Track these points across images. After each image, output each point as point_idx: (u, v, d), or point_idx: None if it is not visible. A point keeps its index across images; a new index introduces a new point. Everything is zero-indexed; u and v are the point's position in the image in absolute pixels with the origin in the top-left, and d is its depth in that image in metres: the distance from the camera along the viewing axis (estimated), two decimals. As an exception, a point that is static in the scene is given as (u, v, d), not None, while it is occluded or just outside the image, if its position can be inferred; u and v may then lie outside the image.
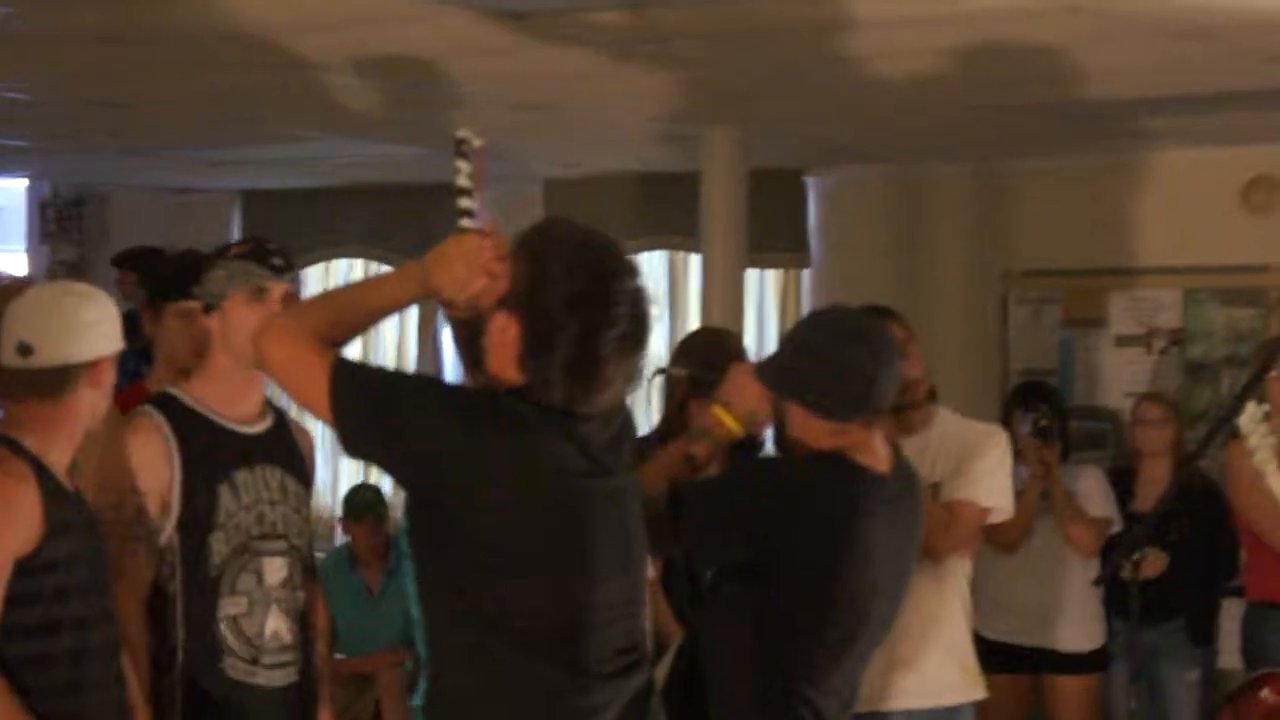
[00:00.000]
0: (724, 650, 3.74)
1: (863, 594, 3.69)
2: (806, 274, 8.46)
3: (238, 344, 3.95)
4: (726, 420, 3.83)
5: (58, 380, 3.66)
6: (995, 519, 4.76)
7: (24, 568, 3.55)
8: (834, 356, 3.66)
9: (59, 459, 3.68)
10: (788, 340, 3.93)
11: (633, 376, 3.19)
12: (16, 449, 3.62)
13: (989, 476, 4.67)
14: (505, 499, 3.06)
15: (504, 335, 3.12)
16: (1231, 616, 6.66)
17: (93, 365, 3.70)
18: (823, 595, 3.65)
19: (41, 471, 3.61)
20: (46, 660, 3.60)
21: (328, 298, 3.48)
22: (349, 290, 3.59)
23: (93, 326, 3.71)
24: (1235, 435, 6.13)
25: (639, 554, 3.30)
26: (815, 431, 3.69)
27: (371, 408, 3.10)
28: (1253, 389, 5.91)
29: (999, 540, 6.06)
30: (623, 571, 3.22)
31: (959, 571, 4.67)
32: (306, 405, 3.18)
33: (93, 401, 3.72)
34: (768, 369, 3.81)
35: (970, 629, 4.73)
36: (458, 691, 3.13)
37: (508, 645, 3.09)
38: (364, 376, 3.18)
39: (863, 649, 3.78)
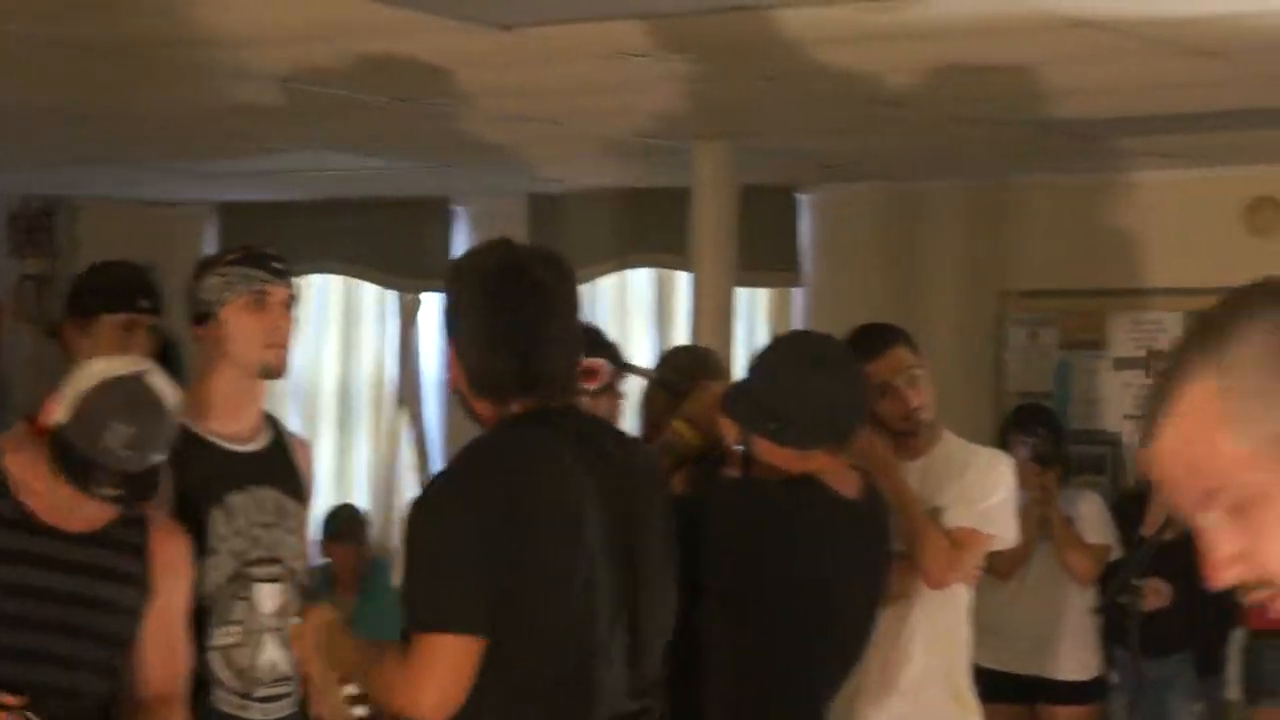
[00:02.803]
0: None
1: (831, 615, 3.73)
2: (798, 292, 8.36)
3: (238, 352, 3.86)
4: (687, 434, 3.93)
5: None
6: (998, 546, 4.70)
7: None
8: (796, 385, 3.69)
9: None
10: (752, 367, 3.92)
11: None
12: None
13: (993, 503, 4.58)
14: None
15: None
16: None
17: None
18: (791, 616, 3.67)
19: None
20: None
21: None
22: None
23: None
24: None
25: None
26: (782, 457, 3.72)
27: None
28: None
29: (998, 567, 5.98)
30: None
31: (959, 599, 4.58)
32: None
33: None
34: (732, 397, 3.84)
35: (968, 658, 4.65)
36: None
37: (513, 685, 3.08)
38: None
39: (833, 671, 3.80)
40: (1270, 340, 1.62)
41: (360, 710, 3.37)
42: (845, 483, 3.80)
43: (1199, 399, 1.63)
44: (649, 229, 8.46)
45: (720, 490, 3.92)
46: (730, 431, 3.82)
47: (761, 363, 3.87)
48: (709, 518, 3.72)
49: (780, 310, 8.41)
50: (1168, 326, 7.50)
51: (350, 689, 3.38)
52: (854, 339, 4.70)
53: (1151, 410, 1.68)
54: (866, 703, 4.33)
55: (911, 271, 7.96)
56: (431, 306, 9.11)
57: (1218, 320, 1.66)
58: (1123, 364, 7.61)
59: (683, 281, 8.35)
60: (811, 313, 8.20)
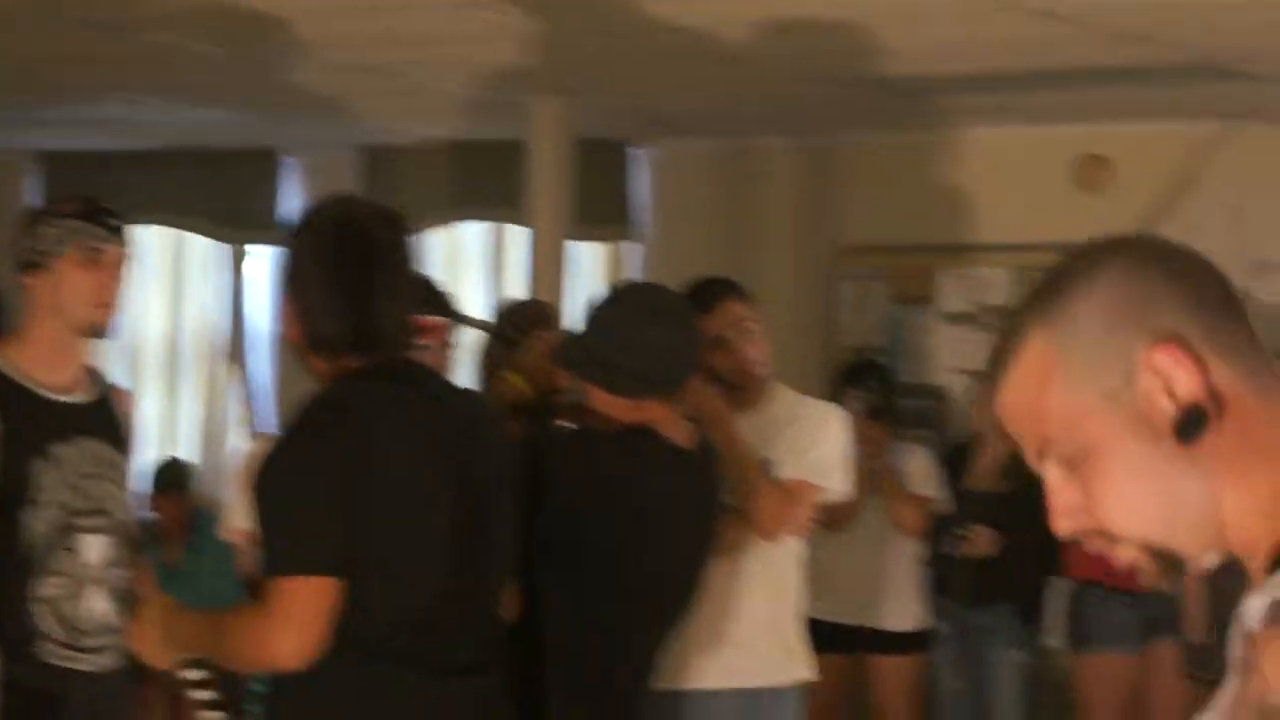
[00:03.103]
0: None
1: (664, 563, 3.76)
2: (633, 247, 8.36)
3: (66, 307, 3.83)
4: (520, 384, 4.04)
5: None
6: (829, 499, 4.74)
7: None
8: (630, 335, 3.72)
9: None
10: (587, 318, 3.93)
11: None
12: None
13: (826, 456, 4.63)
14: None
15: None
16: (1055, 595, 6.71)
17: None
18: (624, 564, 3.70)
19: None
20: None
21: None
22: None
23: None
24: None
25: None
26: (617, 407, 3.76)
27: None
28: None
29: (829, 519, 6.02)
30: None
31: (790, 551, 4.62)
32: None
33: None
34: (567, 349, 3.90)
35: (799, 609, 4.69)
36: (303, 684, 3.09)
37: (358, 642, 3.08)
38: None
39: (665, 620, 3.82)
40: (1106, 297, 1.65)
41: (205, 694, 3.36)
42: (678, 432, 3.83)
43: (1037, 353, 1.66)
44: (482, 182, 8.41)
45: (554, 440, 3.94)
46: (564, 382, 3.84)
47: (596, 314, 3.88)
48: (543, 467, 3.73)
49: (615, 265, 8.41)
50: (996, 282, 7.58)
51: (194, 673, 3.36)
52: (689, 293, 4.72)
53: (994, 362, 1.71)
54: (698, 653, 4.35)
55: (745, 227, 7.97)
56: (260, 259, 9.00)
57: (1058, 276, 1.69)
58: (951, 319, 7.69)
59: (516, 235, 8.33)
60: (647, 267, 8.18)
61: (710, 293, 4.66)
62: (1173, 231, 7.32)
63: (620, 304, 3.89)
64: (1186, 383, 1.61)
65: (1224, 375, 1.63)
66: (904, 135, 7.79)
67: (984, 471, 6.51)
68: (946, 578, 6.46)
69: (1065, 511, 1.69)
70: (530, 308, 5.33)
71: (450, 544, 3.18)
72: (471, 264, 8.74)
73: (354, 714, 3.11)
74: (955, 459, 6.67)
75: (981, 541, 6.37)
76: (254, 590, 3.13)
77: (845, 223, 7.90)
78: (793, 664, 4.61)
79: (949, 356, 7.62)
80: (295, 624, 3.00)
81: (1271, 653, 1.51)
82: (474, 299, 8.21)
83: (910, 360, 7.63)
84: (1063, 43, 5.92)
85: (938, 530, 6.42)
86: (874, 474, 6.29)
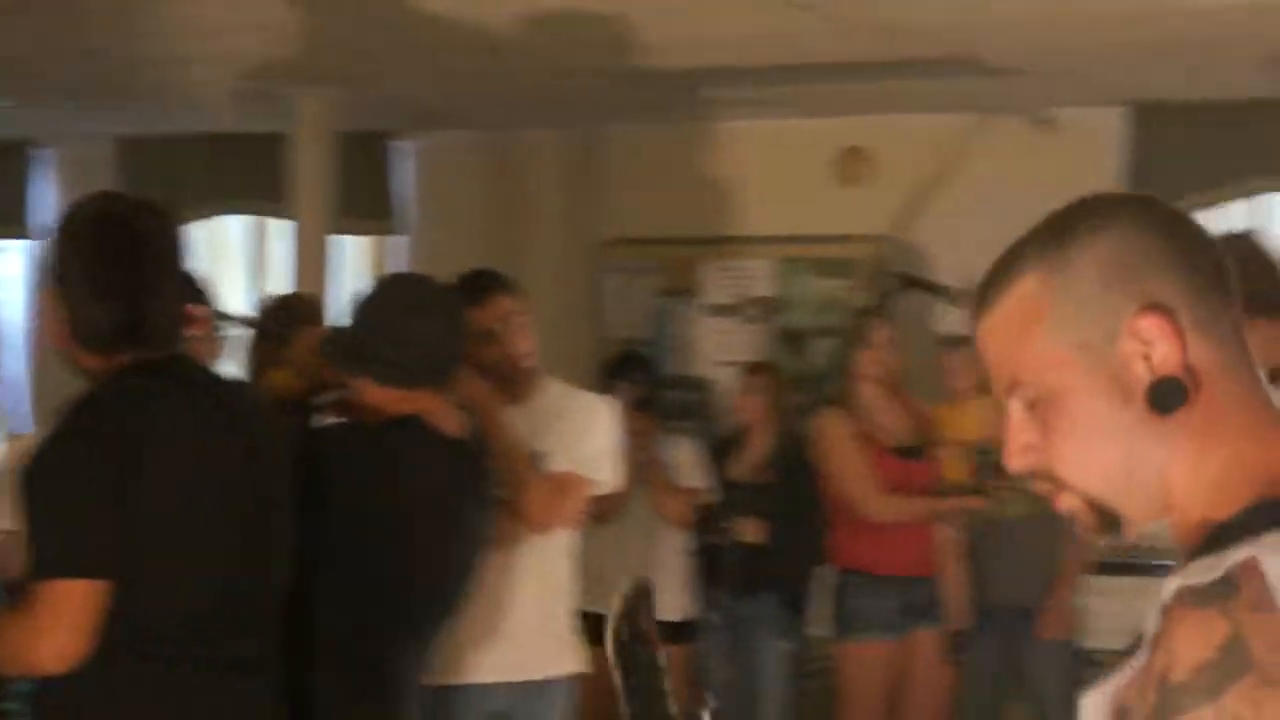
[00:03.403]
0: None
1: (437, 555, 3.78)
2: (398, 240, 8.32)
3: None
4: (288, 379, 4.04)
5: None
6: (599, 491, 4.76)
7: None
8: (397, 326, 3.75)
9: None
10: (352, 311, 3.92)
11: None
12: None
13: (597, 448, 4.66)
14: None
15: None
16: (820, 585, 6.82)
17: None
18: (395, 555, 3.71)
19: None
20: None
21: None
22: None
23: None
24: (830, 403, 6.31)
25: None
26: (386, 399, 3.78)
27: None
28: (851, 361, 6.11)
29: (599, 512, 6.04)
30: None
31: (562, 544, 4.64)
32: None
33: None
34: (333, 342, 3.89)
35: (573, 602, 4.71)
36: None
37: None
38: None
39: (438, 612, 3.84)
40: (1107, 254, 1.68)
41: None
42: (449, 422, 3.85)
43: (1029, 290, 1.71)
44: (244, 175, 8.31)
45: (324, 434, 3.92)
46: (332, 376, 3.83)
47: (361, 306, 3.88)
48: (315, 462, 3.70)
49: (379, 258, 8.37)
50: (759, 274, 7.69)
51: None
52: (458, 286, 4.71)
53: (985, 289, 1.75)
54: (472, 647, 4.35)
55: (511, 219, 7.99)
56: (9, 254, 8.79)
57: (1068, 220, 1.73)
58: (715, 311, 7.78)
59: (279, 229, 8.24)
60: (413, 260, 8.16)
61: (479, 286, 4.65)
62: (930, 221, 7.54)
63: (385, 296, 3.89)
64: (1166, 354, 1.65)
65: (1201, 352, 1.67)
66: (668, 128, 7.85)
67: (750, 462, 6.59)
68: (715, 568, 6.52)
69: (1019, 450, 1.73)
70: (295, 301, 5.29)
71: (227, 541, 3.16)
72: (234, 258, 8.64)
73: (123, 714, 3.08)
74: (721, 450, 6.74)
75: (749, 532, 6.45)
76: (17, 592, 3.06)
77: (610, 215, 7.96)
78: (565, 656, 4.62)
79: (713, 349, 7.71)
80: (63, 626, 2.96)
81: (1180, 632, 1.55)
82: (237, 294, 8.11)
83: (676, 353, 7.70)
84: (822, 36, 6.01)
85: (705, 521, 6.47)
86: (641, 466, 6.33)
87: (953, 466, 6.34)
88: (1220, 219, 7.09)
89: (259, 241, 8.62)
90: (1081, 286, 1.68)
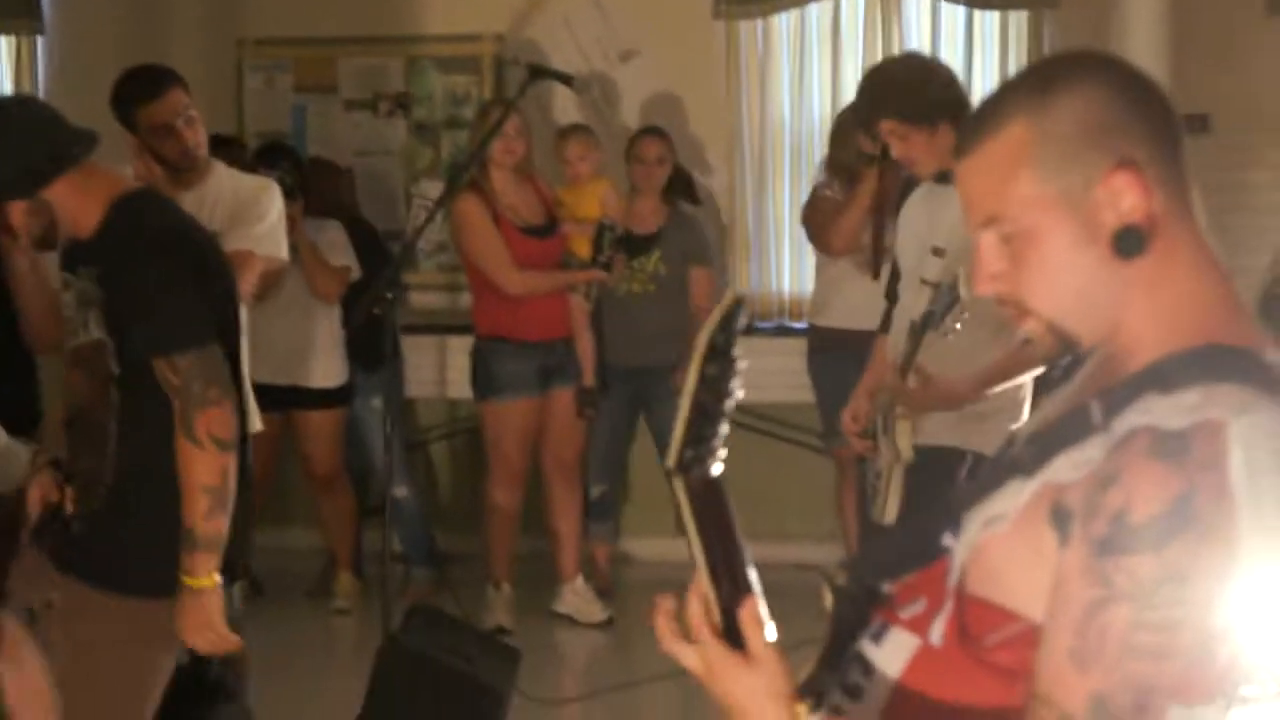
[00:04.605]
0: None
1: None
2: (41, 41, 8.25)
3: None
4: None
5: None
6: (271, 267, 5.12)
7: None
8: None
9: None
10: None
11: None
12: None
13: (267, 227, 5.01)
14: None
15: None
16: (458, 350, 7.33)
17: None
18: None
19: None
20: None
21: None
22: None
23: None
24: (466, 188, 6.71)
25: None
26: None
27: None
28: (481, 152, 6.47)
29: (260, 289, 6.41)
30: None
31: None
32: None
33: None
34: None
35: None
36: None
37: None
38: None
39: None
40: (1086, 111, 1.80)
41: None
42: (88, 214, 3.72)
43: (1016, 133, 1.82)
44: None
45: None
46: None
47: None
48: None
49: (26, 61, 8.21)
50: (392, 71, 8.01)
51: None
52: (131, 82, 5.04)
53: (972, 127, 1.86)
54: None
55: (153, 20, 7.98)
56: None
57: (1048, 75, 1.85)
58: (351, 105, 8.07)
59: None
60: (54, 61, 8.12)
61: (157, 82, 4.95)
62: (546, 23, 7.84)
63: None
64: (1134, 205, 1.79)
65: (1160, 204, 1.81)
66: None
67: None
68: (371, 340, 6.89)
69: (990, 276, 1.86)
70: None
71: None
72: None
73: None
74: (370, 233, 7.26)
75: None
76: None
77: (251, 15, 8.05)
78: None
79: (351, 140, 8.01)
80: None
81: (1140, 481, 1.69)
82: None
83: (316, 145, 7.92)
84: None
85: (353, 296, 6.81)
86: (293, 247, 6.71)
87: (578, 243, 6.82)
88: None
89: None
90: (1064, 140, 1.79)
